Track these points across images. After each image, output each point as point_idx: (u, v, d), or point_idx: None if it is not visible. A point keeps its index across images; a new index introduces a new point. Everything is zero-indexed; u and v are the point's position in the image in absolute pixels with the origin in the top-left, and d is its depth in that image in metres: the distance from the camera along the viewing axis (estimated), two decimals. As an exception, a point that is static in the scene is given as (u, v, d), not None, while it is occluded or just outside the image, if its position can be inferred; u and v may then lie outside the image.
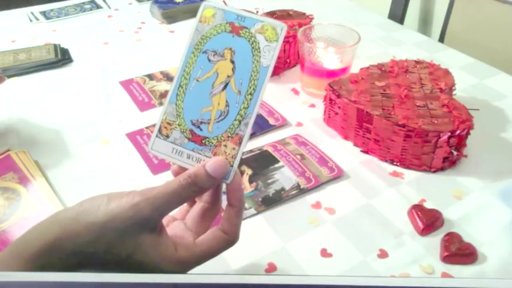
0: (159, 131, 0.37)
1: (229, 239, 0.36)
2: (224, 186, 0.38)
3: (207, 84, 0.37)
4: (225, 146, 0.36)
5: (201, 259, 0.35)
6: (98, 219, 0.32)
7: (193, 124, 0.37)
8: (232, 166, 0.36)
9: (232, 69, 0.37)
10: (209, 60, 0.37)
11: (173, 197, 0.34)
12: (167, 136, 0.37)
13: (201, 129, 0.37)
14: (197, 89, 0.37)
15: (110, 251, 0.32)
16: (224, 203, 0.39)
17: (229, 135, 0.36)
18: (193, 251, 0.35)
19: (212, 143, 0.36)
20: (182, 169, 0.37)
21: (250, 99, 0.36)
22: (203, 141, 0.37)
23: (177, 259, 0.34)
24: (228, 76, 0.37)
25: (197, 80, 0.37)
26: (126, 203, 0.32)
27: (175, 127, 0.37)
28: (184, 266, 0.35)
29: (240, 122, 0.36)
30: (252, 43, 0.37)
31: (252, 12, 0.92)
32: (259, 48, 0.36)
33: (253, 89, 0.36)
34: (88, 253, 0.32)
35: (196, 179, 0.34)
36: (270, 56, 0.36)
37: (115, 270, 0.33)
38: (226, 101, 0.36)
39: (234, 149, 0.36)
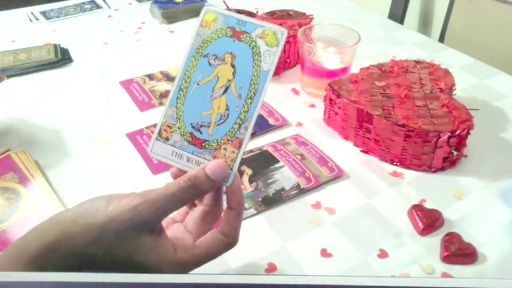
0: (159, 133, 0.38)
1: (229, 241, 0.36)
2: (224, 188, 0.38)
3: (207, 88, 0.37)
4: (225, 149, 0.36)
5: (200, 261, 0.35)
6: (97, 221, 0.32)
7: (193, 127, 0.37)
8: (232, 169, 0.36)
9: (233, 73, 0.37)
10: (210, 64, 0.37)
11: (173, 200, 0.34)
12: (167, 139, 0.37)
13: (201, 133, 0.37)
14: (197, 93, 0.37)
15: (109, 252, 0.32)
16: (224, 205, 0.39)
17: (229, 138, 0.36)
18: (192, 252, 0.35)
19: (212, 146, 0.37)
20: (181, 171, 0.37)
21: (251, 103, 0.36)
22: (203, 144, 0.37)
23: (176, 261, 0.34)
24: (229, 80, 0.37)
25: (198, 84, 0.37)
26: (126, 204, 0.32)
27: (175, 130, 0.37)
28: (183, 268, 0.35)
29: (240, 125, 0.36)
30: (253, 48, 0.37)
31: (252, 13, 0.93)
32: (259, 52, 0.36)
33: (254, 93, 0.36)
34: (87, 254, 0.32)
35: (196, 182, 0.34)
36: (270, 60, 0.36)
37: (114, 272, 0.33)
38: (227, 105, 0.37)
39: (233, 152, 0.36)
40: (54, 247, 0.32)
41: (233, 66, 0.37)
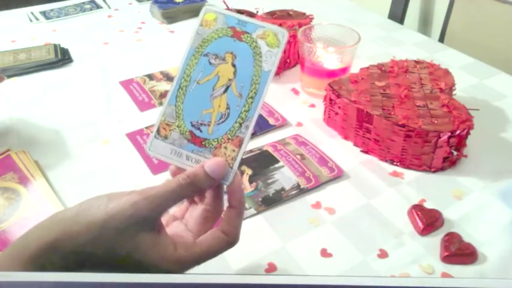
0: (157, 132, 0.38)
1: (229, 240, 0.36)
2: (225, 187, 0.38)
3: (207, 87, 0.37)
4: (225, 148, 0.36)
5: (200, 259, 0.35)
6: (97, 219, 0.32)
7: (193, 126, 0.37)
8: (232, 168, 0.36)
9: (234, 72, 0.37)
10: (210, 63, 0.37)
11: (172, 196, 0.34)
12: (166, 137, 0.37)
13: (201, 131, 0.37)
14: (198, 91, 0.37)
15: (109, 250, 0.32)
16: (225, 204, 0.39)
17: (230, 137, 0.36)
18: (193, 250, 0.35)
19: (212, 145, 0.37)
20: (180, 170, 0.37)
21: (251, 102, 0.36)
22: (203, 143, 0.37)
23: (177, 258, 0.34)
24: (229, 79, 0.37)
25: (198, 82, 0.37)
26: (125, 202, 0.33)
27: (175, 128, 0.37)
28: (183, 266, 0.35)
29: (240, 124, 0.36)
30: (254, 48, 0.37)
31: (253, 13, 0.92)
32: (260, 53, 0.37)
33: (255, 92, 0.36)
34: (87, 253, 0.32)
35: (195, 179, 0.34)
36: (271, 61, 0.37)
37: (114, 270, 0.33)
38: (227, 104, 0.37)
39: (234, 151, 0.36)
40: (54, 246, 0.32)
41: (234, 65, 0.37)
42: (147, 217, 0.33)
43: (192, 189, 0.34)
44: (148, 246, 0.33)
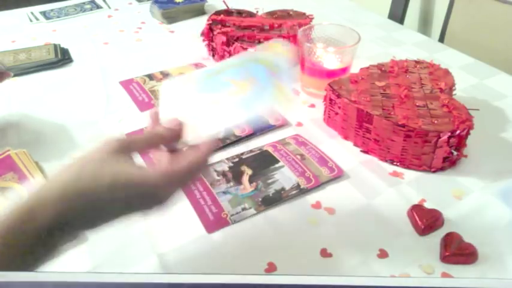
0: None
1: (196, 154, 0.41)
2: None
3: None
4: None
5: (178, 168, 0.39)
6: (75, 162, 0.37)
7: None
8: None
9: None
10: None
11: (139, 139, 0.41)
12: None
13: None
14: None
15: (93, 182, 0.35)
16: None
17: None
18: (171, 166, 0.40)
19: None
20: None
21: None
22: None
23: (158, 173, 0.38)
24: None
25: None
26: (99, 143, 0.39)
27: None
28: (166, 178, 0.38)
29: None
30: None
31: (252, 13, 0.92)
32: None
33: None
34: (74, 191, 0.34)
35: (157, 132, 0.42)
36: None
37: (106, 201, 0.36)
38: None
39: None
40: (30, 208, 0.33)
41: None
42: (117, 148, 0.38)
43: (156, 138, 0.42)
44: (128, 167, 0.38)
